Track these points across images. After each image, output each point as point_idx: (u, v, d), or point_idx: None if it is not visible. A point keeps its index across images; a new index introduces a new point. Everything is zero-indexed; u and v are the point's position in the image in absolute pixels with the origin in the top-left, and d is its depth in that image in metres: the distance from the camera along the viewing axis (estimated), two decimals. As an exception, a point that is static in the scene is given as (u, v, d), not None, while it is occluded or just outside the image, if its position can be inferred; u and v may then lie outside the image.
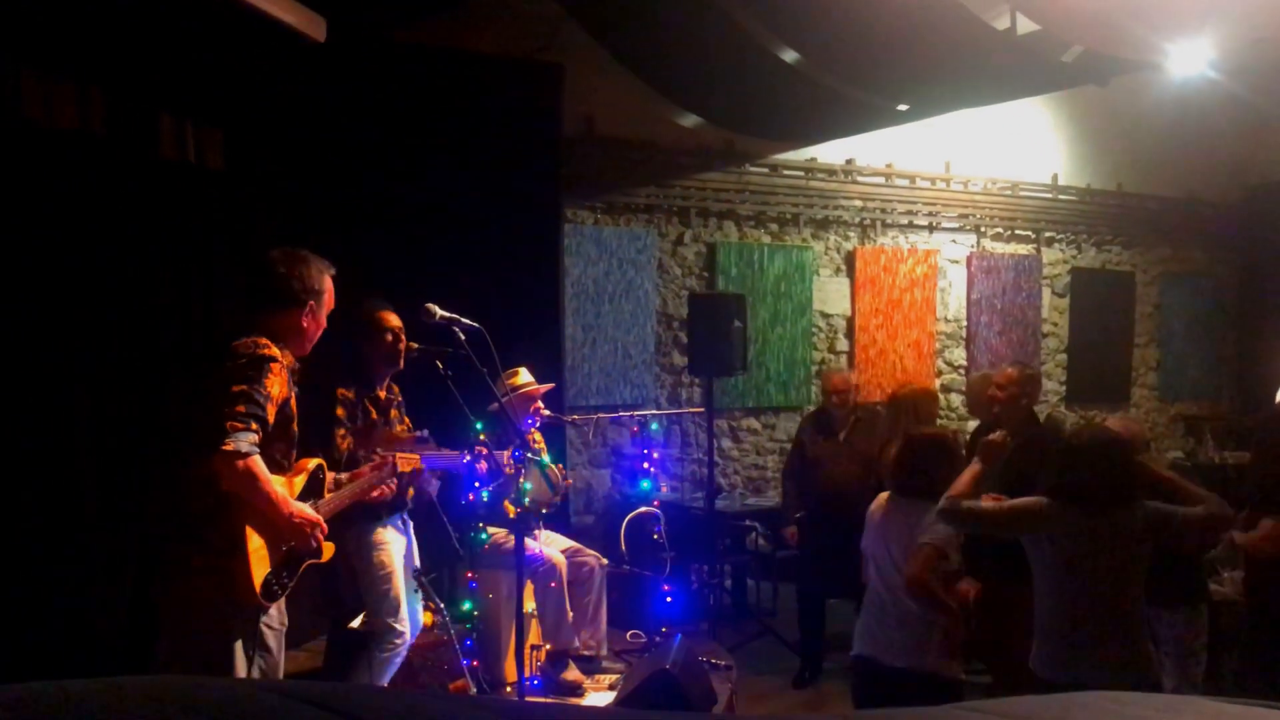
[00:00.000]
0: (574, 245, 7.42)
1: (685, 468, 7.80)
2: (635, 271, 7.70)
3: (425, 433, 4.14)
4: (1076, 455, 3.41)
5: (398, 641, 4.11)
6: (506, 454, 4.46)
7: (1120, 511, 3.32)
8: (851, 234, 8.74)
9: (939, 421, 9.06)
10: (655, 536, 5.56)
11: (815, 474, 5.96)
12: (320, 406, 3.92)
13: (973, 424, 9.09)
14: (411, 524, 4.38)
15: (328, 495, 3.44)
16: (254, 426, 2.93)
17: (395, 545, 4.17)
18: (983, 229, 9.37)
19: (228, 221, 5.02)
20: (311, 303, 3.26)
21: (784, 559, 7.02)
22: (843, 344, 8.68)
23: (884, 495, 3.94)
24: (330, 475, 3.54)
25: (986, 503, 3.56)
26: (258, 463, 2.94)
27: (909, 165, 8.91)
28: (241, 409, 2.92)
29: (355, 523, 4.02)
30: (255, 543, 3.00)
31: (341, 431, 4.06)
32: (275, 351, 3.09)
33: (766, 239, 8.34)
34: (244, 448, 2.89)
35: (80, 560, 4.30)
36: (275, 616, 3.19)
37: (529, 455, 4.06)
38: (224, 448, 2.86)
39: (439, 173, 5.88)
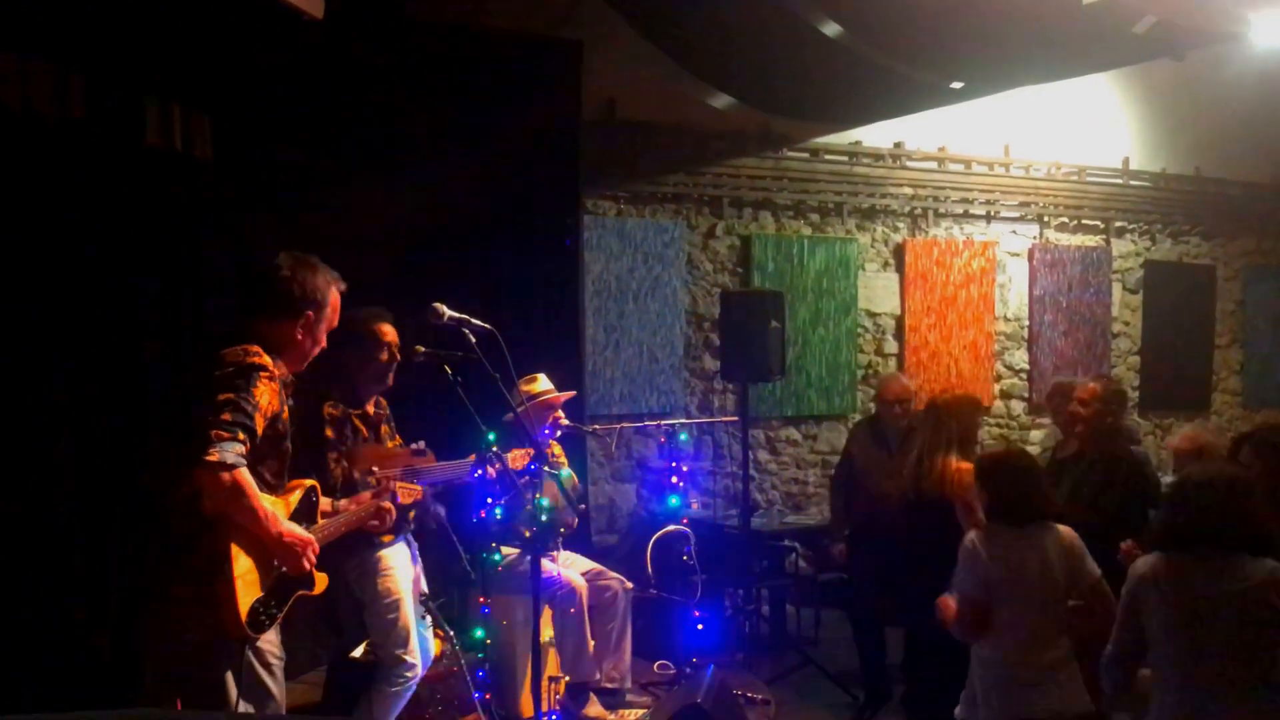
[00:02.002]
0: (595, 239, 7.42)
1: (718, 482, 7.77)
2: (662, 267, 7.68)
3: (421, 444, 4.14)
4: (1190, 497, 3.33)
5: (408, 675, 4.10)
6: (516, 454, 4.46)
7: (1245, 563, 3.21)
8: (901, 225, 8.69)
9: (996, 431, 9.01)
10: (685, 558, 5.54)
11: (865, 488, 5.92)
12: (306, 426, 3.90)
13: (1036, 431, 9.07)
14: (416, 545, 4.38)
15: (321, 522, 3.43)
16: (241, 437, 2.92)
17: (401, 570, 4.17)
18: (1046, 218, 9.29)
19: (217, 216, 5.04)
20: (310, 313, 3.25)
21: (827, 583, 6.97)
22: (891, 346, 8.63)
23: (983, 532, 3.84)
24: (326, 501, 3.53)
25: (1112, 636, 3.51)
26: (245, 475, 2.93)
27: (964, 149, 8.84)
28: (227, 417, 2.92)
29: (355, 549, 4.02)
30: (242, 566, 2.99)
31: (335, 455, 4.05)
32: (266, 360, 3.08)
33: (806, 231, 8.31)
34: (230, 458, 2.88)
35: (59, 583, 4.33)
36: (270, 651, 3.17)
37: (547, 468, 4.05)
38: (208, 458, 2.85)
39: (447, 161, 5.88)
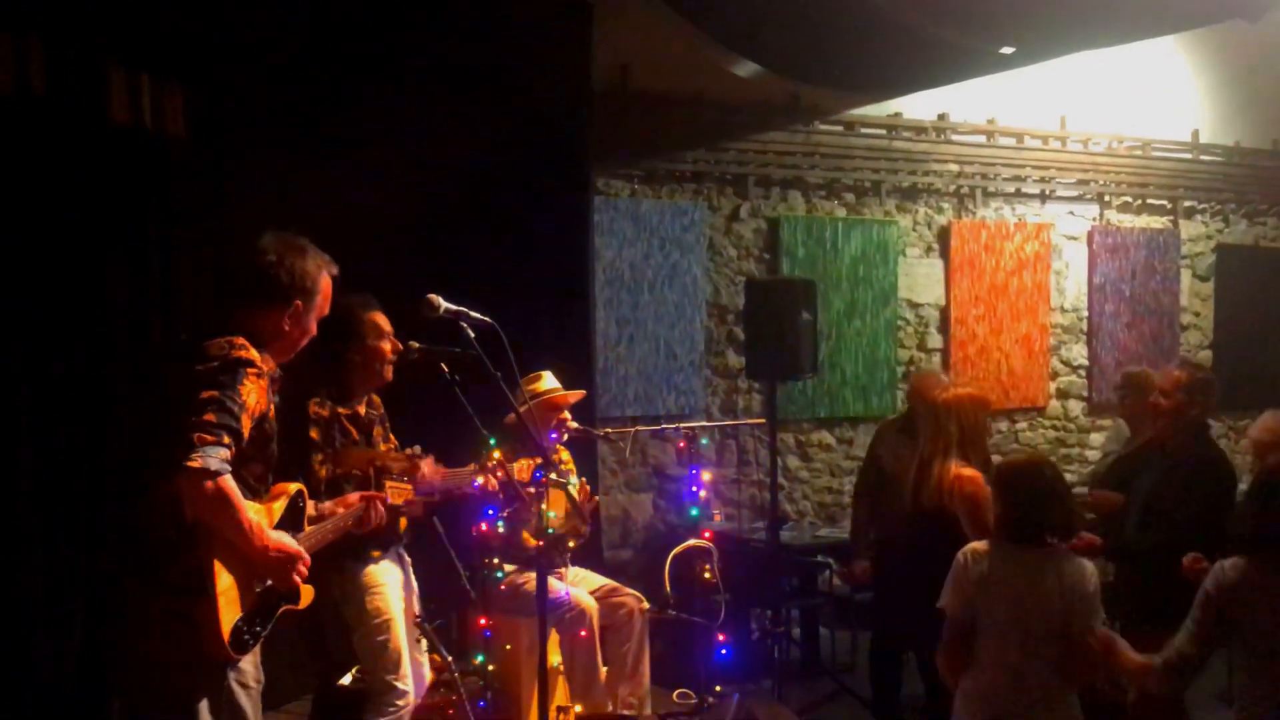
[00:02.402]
0: (606, 222, 7.41)
1: (743, 491, 7.76)
2: (681, 253, 7.67)
3: (418, 449, 4.14)
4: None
5: (400, 703, 4.10)
6: (522, 465, 4.45)
7: None
8: (945, 205, 8.66)
9: (1051, 435, 8.97)
10: (707, 575, 5.53)
11: (894, 495, 5.91)
12: (291, 428, 3.91)
13: (1096, 435, 9.02)
14: (409, 561, 4.38)
15: (308, 528, 3.44)
16: (226, 440, 2.92)
17: (392, 588, 4.17)
18: (1107, 198, 9.25)
19: (191, 199, 5.06)
20: (299, 302, 3.25)
21: (864, 603, 6.94)
22: (935, 340, 8.61)
23: (980, 546, 3.75)
24: (310, 505, 3.54)
25: (1181, 642, 3.48)
26: (229, 483, 2.93)
27: (1016, 120, 8.81)
28: (211, 418, 2.91)
29: (341, 563, 4.02)
30: (224, 582, 3.00)
31: (319, 458, 4.04)
32: (253, 354, 3.08)
33: (841, 212, 8.29)
34: (214, 464, 2.88)
35: (18, 602, 4.35)
36: (249, 671, 3.18)
37: (553, 476, 4.05)
38: (189, 464, 2.85)
39: (444, 138, 5.88)
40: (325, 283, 3.34)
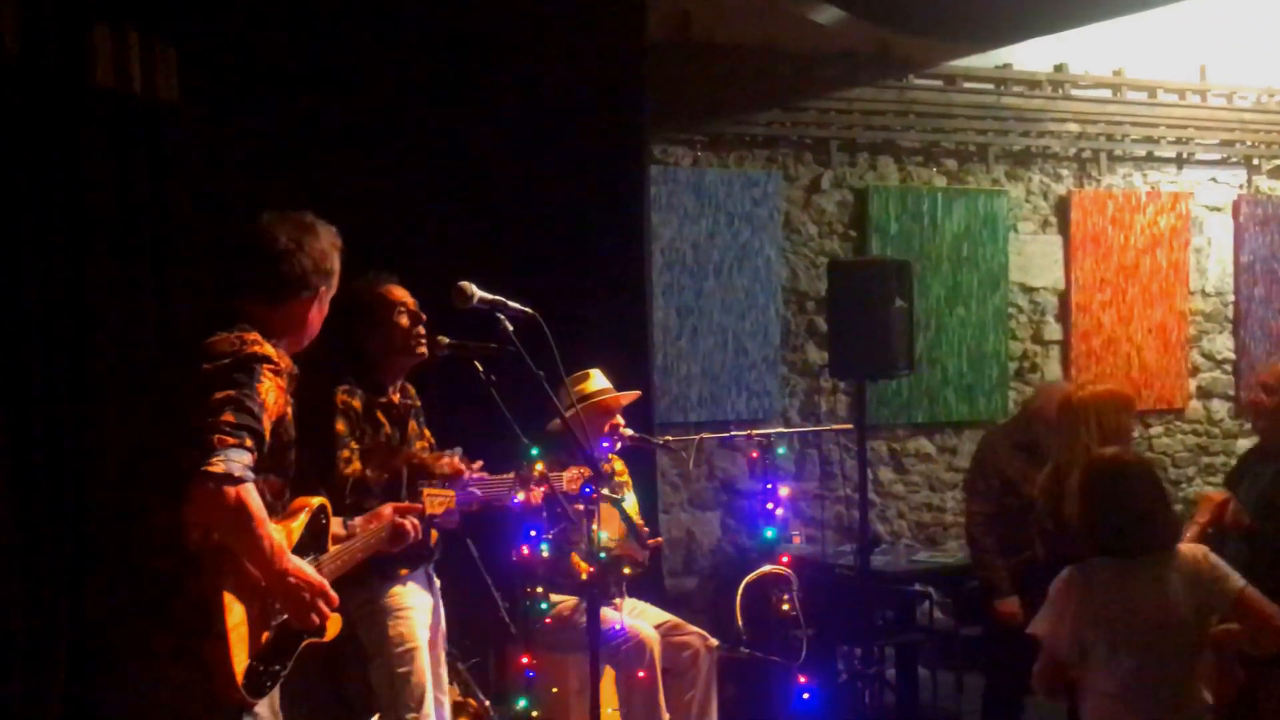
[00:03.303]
0: (665, 195, 7.40)
1: (826, 509, 7.72)
2: (752, 231, 7.65)
3: (459, 451, 4.16)
4: None
5: (420, 748, 4.14)
6: (570, 475, 4.45)
7: None
8: (1064, 172, 8.58)
9: (1191, 441, 8.85)
10: (785, 607, 5.52)
11: (1023, 521, 5.86)
12: (313, 419, 3.95)
13: (1245, 440, 8.86)
14: (439, 582, 4.40)
15: (333, 548, 3.45)
16: (249, 443, 2.91)
17: (418, 612, 4.20)
18: (1256, 161, 9.10)
19: (185, 172, 5.10)
20: (323, 288, 3.32)
21: (971, 639, 6.89)
22: (1053, 330, 8.53)
23: (1073, 568, 3.90)
24: (336, 520, 3.55)
25: None
26: (252, 494, 2.91)
27: (1147, 72, 8.70)
28: (231, 418, 2.90)
29: (362, 582, 4.03)
30: (236, 615, 3.00)
31: (345, 453, 4.09)
32: (269, 350, 3.10)
33: (940, 181, 8.24)
34: (237, 469, 2.85)
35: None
36: (266, 717, 3.19)
37: (605, 492, 4.05)
38: (208, 468, 2.82)
39: (475, 100, 5.90)
40: (338, 258, 3.38)
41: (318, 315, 3.35)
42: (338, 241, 3.37)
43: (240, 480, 2.86)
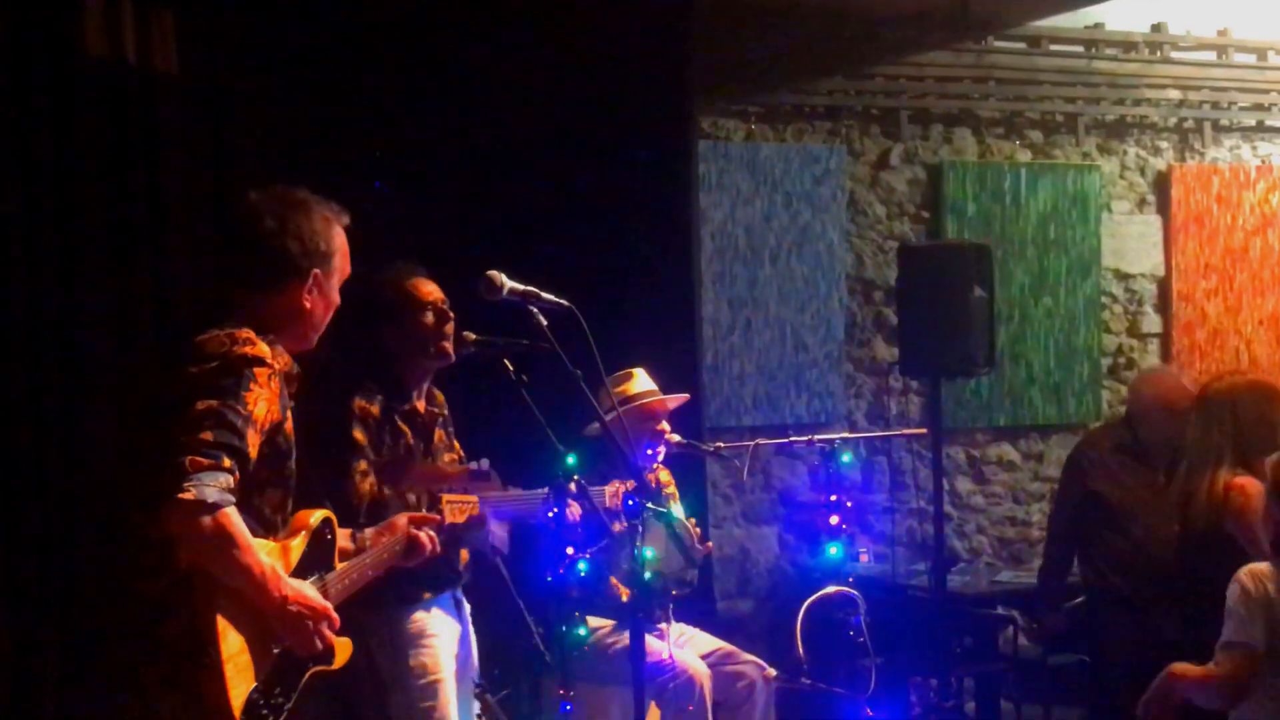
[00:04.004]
0: (714, 173, 7.40)
1: (897, 524, 7.71)
2: (812, 212, 7.64)
3: (485, 464, 4.14)
4: None
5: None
6: (612, 490, 4.46)
7: None
8: (1163, 144, 8.53)
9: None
10: (851, 633, 5.50)
11: (1120, 534, 5.84)
12: (326, 428, 3.96)
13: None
14: (468, 607, 4.42)
15: (340, 565, 3.47)
16: (227, 464, 2.93)
17: (443, 640, 4.21)
18: (1382, 130, 9.02)
19: (185, 149, 5.13)
20: (317, 271, 3.29)
21: (1061, 668, 6.86)
22: (1151, 321, 8.49)
23: (1261, 568, 3.93)
24: (344, 533, 3.57)
25: None
26: (233, 519, 2.93)
27: (1256, 32, 8.62)
28: (208, 436, 2.92)
29: (382, 605, 4.05)
30: (233, 643, 3.02)
31: (362, 466, 4.08)
32: (262, 349, 3.10)
33: (1024, 156, 8.21)
34: (211, 495, 2.88)
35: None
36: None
37: (650, 505, 4.05)
38: (181, 496, 2.85)
39: (502, 71, 5.90)
40: (340, 238, 3.37)
41: (320, 304, 3.33)
42: (339, 219, 3.37)
43: (216, 506, 2.87)
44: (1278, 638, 3.80)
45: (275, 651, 3.14)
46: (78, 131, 4.83)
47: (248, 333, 3.10)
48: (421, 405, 4.33)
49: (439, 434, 4.37)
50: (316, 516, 3.39)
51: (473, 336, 4.12)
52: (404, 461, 4.17)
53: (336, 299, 3.38)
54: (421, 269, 4.34)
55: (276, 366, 3.14)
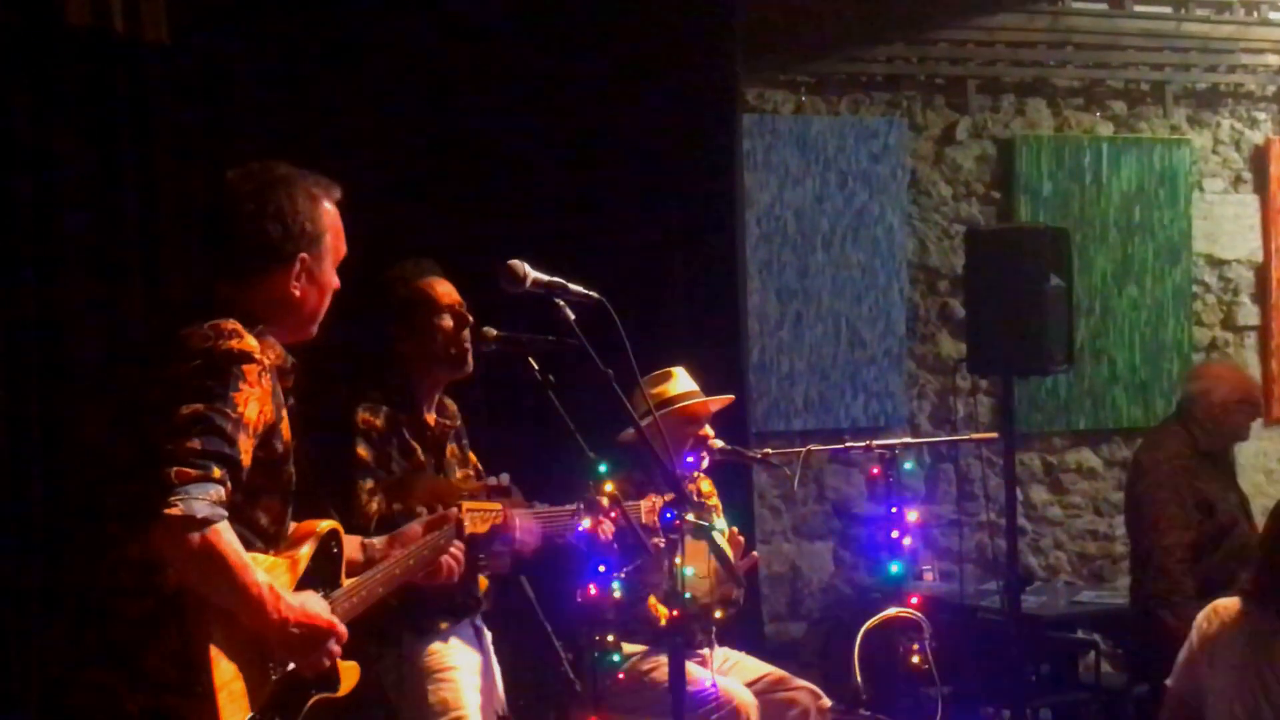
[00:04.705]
0: (761, 151, 7.40)
1: (966, 538, 7.70)
2: (870, 194, 7.64)
3: (505, 478, 4.13)
4: None
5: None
6: (648, 505, 4.45)
7: None
8: (1261, 115, 8.52)
9: None
10: (915, 660, 5.49)
11: (1233, 550, 5.84)
12: (327, 444, 3.96)
13: None
14: (489, 636, 4.42)
15: (347, 582, 3.46)
16: (217, 474, 2.91)
17: (464, 674, 4.22)
18: None
19: (175, 125, 5.15)
20: (304, 255, 3.26)
21: (1144, 696, 6.84)
22: (1248, 313, 8.48)
23: (1228, 605, 4.10)
24: (352, 542, 3.56)
25: None
26: (225, 536, 2.92)
27: (1365, -14, 8.57)
28: (196, 445, 2.91)
29: (394, 637, 4.07)
30: (224, 672, 3.00)
31: (368, 485, 4.08)
32: (250, 343, 3.08)
33: (1105, 129, 8.20)
34: (201, 510, 2.86)
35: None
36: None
37: (691, 518, 4.04)
38: (168, 512, 2.83)
39: (523, 37, 5.91)
40: (331, 215, 3.33)
41: (312, 291, 3.30)
42: (329, 194, 3.33)
43: (206, 522, 2.85)
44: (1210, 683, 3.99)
45: (274, 677, 3.14)
46: (59, 108, 4.85)
47: (233, 324, 3.08)
48: (432, 418, 4.33)
49: (451, 448, 4.38)
50: (323, 526, 3.38)
51: (494, 333, 4.07)
52: (413, 478, 4.15)
53: (333, 282, 3.34)
54: (436, 266, 4.33)
55: (267, 361, 3.12)
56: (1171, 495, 6.23)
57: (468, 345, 4.24)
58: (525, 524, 4.17)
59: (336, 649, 3.19)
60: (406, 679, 4.14)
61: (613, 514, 4.06)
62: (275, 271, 3.23)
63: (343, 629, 3.21)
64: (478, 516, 3.90)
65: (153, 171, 5.07)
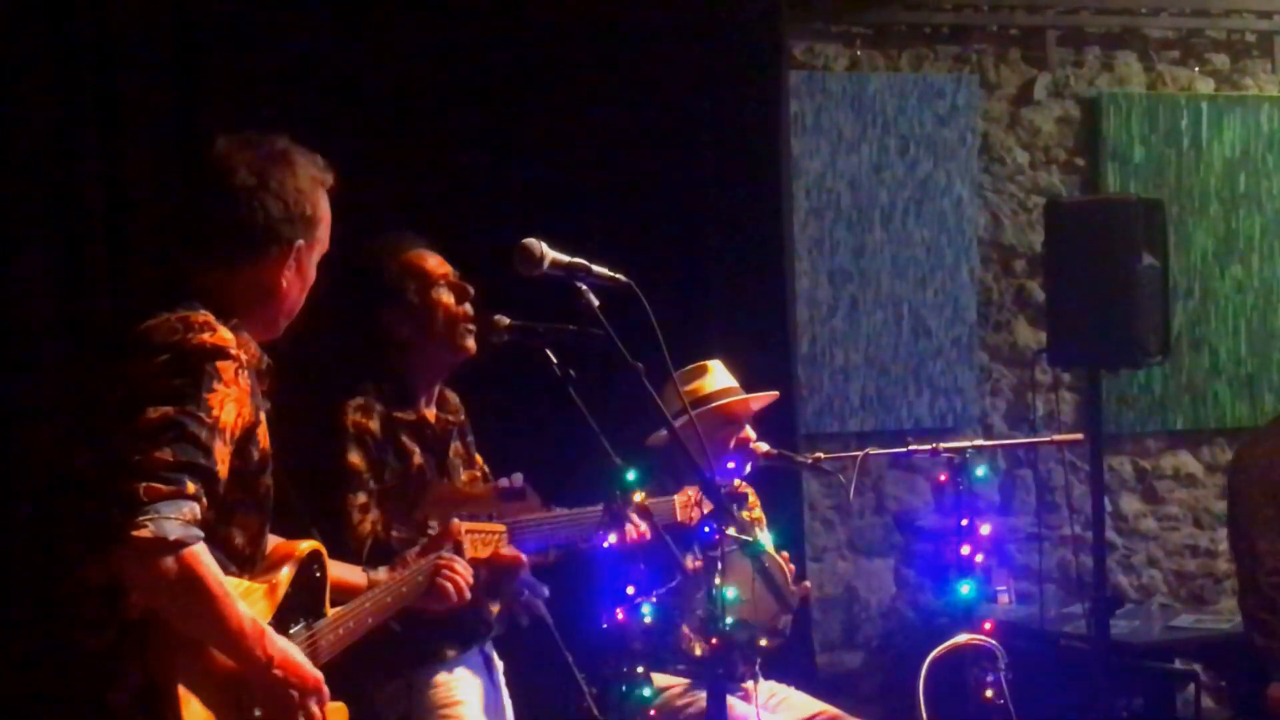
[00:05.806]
0: (810, 114, 7.42)
1: (1047, 555, 7.71)
2: (935, 161, 7.66)
3: (518, 479, 4.10)
4: None
5: None
6: (683, 498, 4.48)
7: None
8: (1384, 69, 8.48)
9: None
10: (988, 694, 5.52)
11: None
12: (313, 448, 3.97)
13: None
14: (501, 665, 4.46)
15: (332, 612, 3.48)
16: (191, 489, 2.90)
17: (471, 709, 4.25)
18: None
19: (146, 120, 5.20)
20: (300, 243, 3.28)
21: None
22: (1366, 297, 8.44)
23: None
24: (339, 571, 3.59)
25: None
26: (202, 560, 2.90)
27: None
28: (166, 455, 2.89)
29: (396, 668, 4.10)
30: (195, 711, 3.00)
31: (360, 500, 4.07)
32: (224, 336, 3.07)
33: (1205, 86, 8.20)
34: (174, 531, 2.85)
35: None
36: None
37: (732, 532, 4.07)
38: (136, 534, 2.82)
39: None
40: (326, 204, 3.34)
41: (296, 284, 3.30)
42: (326, 178, 3.33)
43: (180, 545, 2.83)
44: None
45: (257, 714, 3.13)
46: (22, 99, 4.89)
47: (205, 316, 3.06)
48: (431, 414, 4.32)
49: (454, 447, 4.38)
50: (303, 548, 3.37)
51: (506, 321, 4.01)
52: (414, 488, 4.15)
53: (314, 278, 3.35)
54: (422, 239, 4.31)
55: (245, 357, 3.11)
56: (1268, 498, 6.24)
57: (471, 322, 4.21)
58: (539, 529, 4.20)
59: (317, 712, 3.15)
60: (409, 713, 4.15)
61: (641, 525, 4.08)
62: (267, 256, 3.23)
63: (326, 691, 3.17)
64: (478, 540, 3.90)
65: (118, 158, 5.11)
